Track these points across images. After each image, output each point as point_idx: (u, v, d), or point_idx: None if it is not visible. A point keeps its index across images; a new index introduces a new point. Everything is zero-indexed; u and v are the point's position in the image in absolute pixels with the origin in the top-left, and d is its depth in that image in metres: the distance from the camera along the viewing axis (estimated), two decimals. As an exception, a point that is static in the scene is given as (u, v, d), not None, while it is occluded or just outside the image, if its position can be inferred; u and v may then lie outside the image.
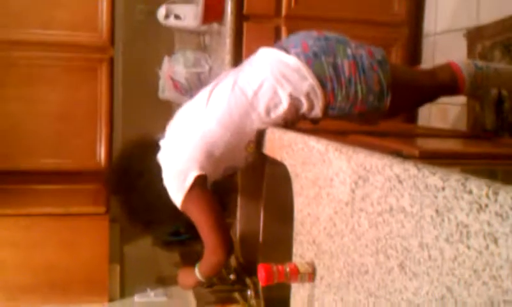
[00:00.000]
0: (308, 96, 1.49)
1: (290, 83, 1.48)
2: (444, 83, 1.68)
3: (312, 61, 1.48)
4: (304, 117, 1.57)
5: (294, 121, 1.56)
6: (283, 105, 1.49)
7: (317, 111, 1.52)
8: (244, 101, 1.49)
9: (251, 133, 1.52)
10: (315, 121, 1.62)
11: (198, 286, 1.73)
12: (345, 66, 1.49)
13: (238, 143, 1.53)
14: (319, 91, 1.48)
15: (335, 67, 1.49)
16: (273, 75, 1.49)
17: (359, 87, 1.50)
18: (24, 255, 2.08)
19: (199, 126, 1.53)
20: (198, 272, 1.62)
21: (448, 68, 1.68)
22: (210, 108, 1.53)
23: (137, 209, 1.78)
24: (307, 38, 1.54)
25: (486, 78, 1.69)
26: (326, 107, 1.52)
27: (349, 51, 1.51)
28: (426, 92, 1.71)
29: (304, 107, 1.50)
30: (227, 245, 1.56)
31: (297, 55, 1.49)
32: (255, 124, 1.51)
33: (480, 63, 1.74)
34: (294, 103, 1.49)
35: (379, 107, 1.55)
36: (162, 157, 1.61)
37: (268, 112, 1.49)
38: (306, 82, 1.48)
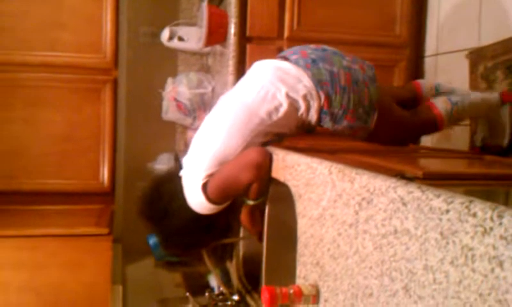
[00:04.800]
0: (305, 98, 1.55)
1: (287, 85, 1.54)
2: (425, 120, 1.80)
3: (311, 65, 1.57)
4: (302, 121, 1.60)
5: (297, 124, 1.60)
6: (284, 107, 1.53)
7: (313, 113, 1.57)
8: (245, 110, 1.54)
9: (259, 138, 1.56)
10: (310, 129, 1.65)
11: (255, 214, 1.67)
12: (341, 75, 1.57)
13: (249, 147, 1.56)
14: (314, 93, 1.55)
15: (332, 74, 1.56)
16: (270, 81, 1.55)
17: (352, 96, 1.57)
18: (28, 276, 2.07)
19: (209, 141, 1.57)
20: (248, 201, 1.60)
21: (428, 107, 1.81)
22: (216, 122, 1.58)
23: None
24: (306, 48, 1.65)
25: (461, 110, 1.83)
26: (321, 110, 1.57)
27: (344, 63, 1.61)
28: (408, 123, 1.78)
29: (302, 108, 1.55)
30: (251, 168, 1.50)
31: (296, 61, 1.59)
32: (260, 128, 1.54)
33: (454, 98, 1.84)
34: (293, 103, 1.54)
35: (366, 121, 1.62)
36: (183, 173, 1.62)
37: (270, 115, 1.54)
38: (302, 84, 1.54)
